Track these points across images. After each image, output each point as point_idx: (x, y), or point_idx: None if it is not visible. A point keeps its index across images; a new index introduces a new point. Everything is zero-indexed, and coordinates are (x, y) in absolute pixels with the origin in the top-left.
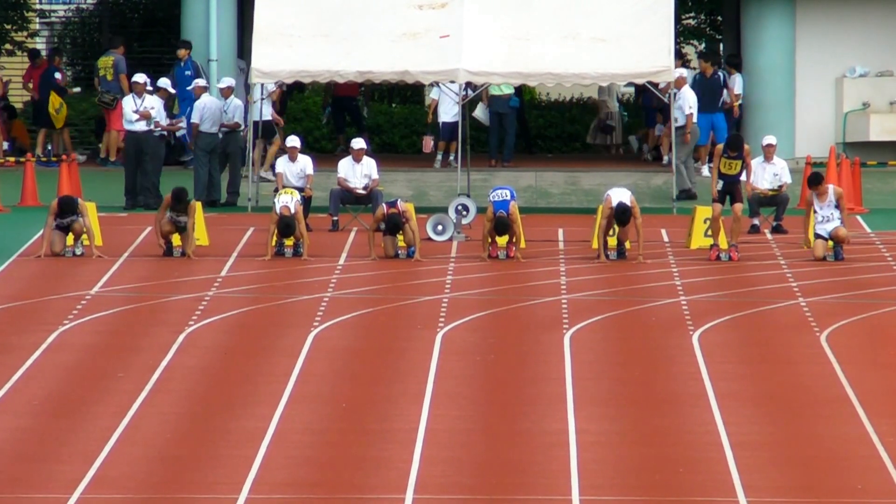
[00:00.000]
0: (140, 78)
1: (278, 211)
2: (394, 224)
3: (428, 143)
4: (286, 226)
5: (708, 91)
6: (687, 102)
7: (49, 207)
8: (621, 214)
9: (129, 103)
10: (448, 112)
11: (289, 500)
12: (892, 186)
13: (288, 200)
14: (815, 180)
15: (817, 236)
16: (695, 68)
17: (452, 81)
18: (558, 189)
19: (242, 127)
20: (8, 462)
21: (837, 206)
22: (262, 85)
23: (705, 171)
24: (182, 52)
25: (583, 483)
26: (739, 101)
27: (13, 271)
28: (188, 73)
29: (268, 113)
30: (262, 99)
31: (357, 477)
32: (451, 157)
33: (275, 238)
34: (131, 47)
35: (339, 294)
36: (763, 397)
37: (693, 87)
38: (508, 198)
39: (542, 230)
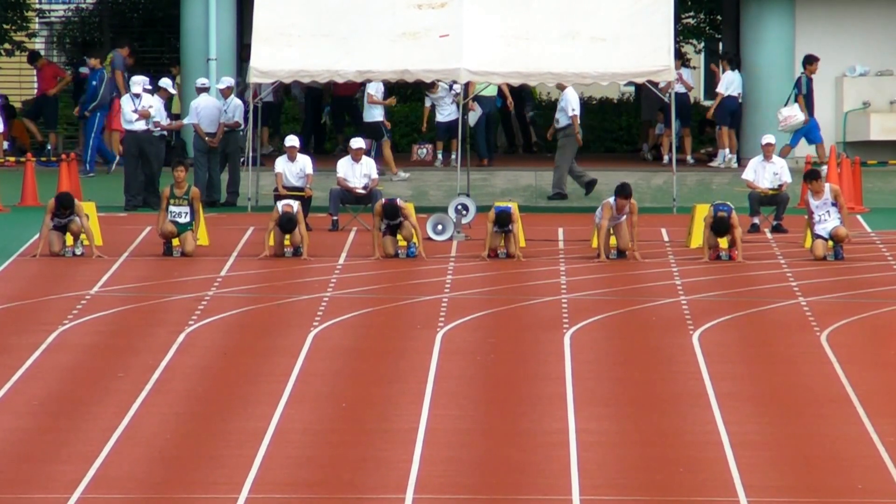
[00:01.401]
0: (137, 80)
1: (280, 210)
2: (392, 213)
3: (415, 152)
4: (288, 220)
5: (811, 92)
6: (570, 104)
7: (46, 207)
8: (622, 189)
9: (127, 103)
10: (443, 112)
11: (289, 500)
12: (893, 186)
13: (290, 202)
14: (811, 175)
15: (816, 236)
16: (695, 67)
17: (454, 81)
18: None
19: (242, 126)
20: (8, 462)
21: (835, 204)
22: (365, 86)
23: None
24: (93, 62)
25: (583, 483)
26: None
27: (13, 271)
28: (94, 83)
29: (378, 114)
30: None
31: (357, 477)
32: (453, 157)
33: (273, 236)
34: (131, 47)
35: (339, 294)
36: (763, 397)
37: (806, 92)
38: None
39: (542, 230)
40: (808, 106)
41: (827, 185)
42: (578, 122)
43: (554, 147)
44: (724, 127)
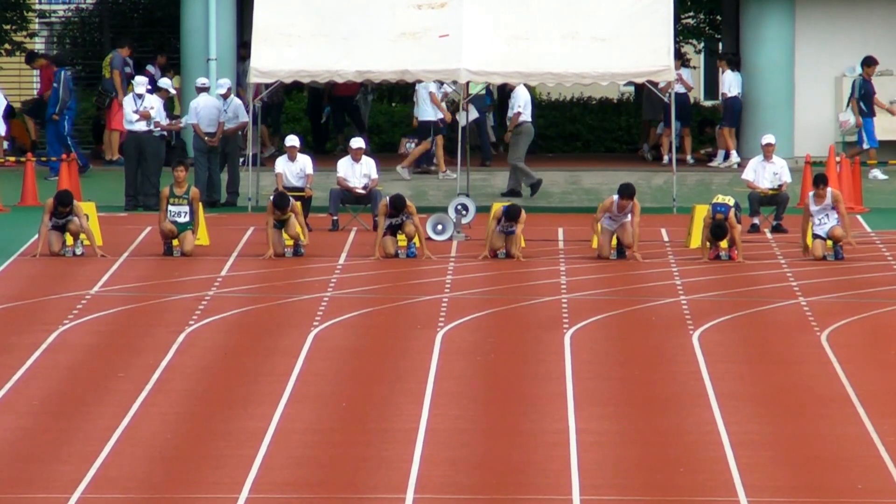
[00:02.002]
0: (140, 80)
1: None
2: (398, 205)
3: (403, 145)
4: (280, 196)
5: (870, 95)
6: (517, 102)
7: (45, 206)
8: (625, 189)
9: (129, 103)
10: (425, 111)
11: (289, 500)
12: (893, 186)
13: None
14: (819, 180)
15: (815, 236)
16: (695, 67)
17: (454, 81)
18: (559, 188)
19: (247, 123)
20: (8, 462)
21: (834, 209)
22: (425, 85)
23: (878, 173)
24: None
25: (583, 483)
26: (733, 95)
27: (13, 271)
28: (54, 85)
29: (432, 113)
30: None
31: (357, 477)
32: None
33: (272, 234)
34: (130, 45)
35: (339, 294)
36: (763, 397)
37: (860, 94)
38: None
39: (542, 230)
40: (868, 108)
41: (829, 191)
42: (518, 120)
43: (550, 148)
44: (726, 128)
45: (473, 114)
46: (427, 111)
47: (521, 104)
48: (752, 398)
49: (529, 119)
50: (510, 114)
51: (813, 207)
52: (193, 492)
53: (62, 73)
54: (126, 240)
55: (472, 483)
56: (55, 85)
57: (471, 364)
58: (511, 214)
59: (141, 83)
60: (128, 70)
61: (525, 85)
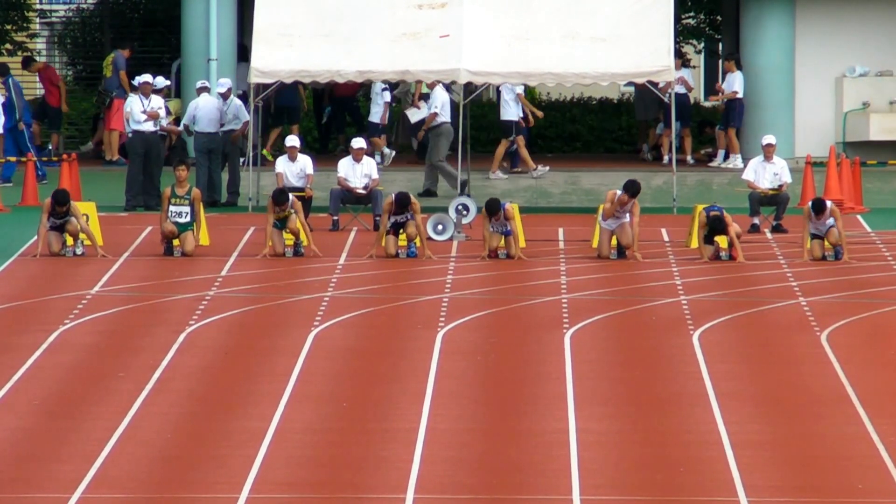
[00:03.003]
0: (147, 78)
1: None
2: (403, 202)
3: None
4: (280, 192)
5: None
6: (434, 103)
7: (43, 206)
8: (632, 185)
9: (136, 104)
10: (508, 111)
11: (289, 499)
12: (892, 186)
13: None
14: (818, 209)
15: (813, 236)
16: (695, 66)
17: (453, 82)
18: (558, 189)
19: (247, 125)
20: (8, 462)
21: (832, 217)
22: (510, 87)
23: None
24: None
25: (583, 483)
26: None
27: (13, 271)
28: (7, 93)
29: (513, 113)
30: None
31: (357, 477)
32: (379, 157)
33: (272, 234)
34: (131, 47)
35: (339, 294)
36: (763, 397)
37: None
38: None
39: (542, 230)
40: None
41: (827, 209)
42: (436, 120)
43: (550, 149)
44: (731, 129)
45: (423, 114)
46: (510, 111)
47: (437, 105)
48: (752, 398)
49: (448, 120)
50: (427, 114)
51: (814, 218)
52: (193, 492)
53: (10, 80)
54: (126, 240)
55: (472, 483)
56: (8, 94)
57: (471, 364)
58: (490, 209)
59: (153, 83)
60: (175, 67)
61: (525, 85)
